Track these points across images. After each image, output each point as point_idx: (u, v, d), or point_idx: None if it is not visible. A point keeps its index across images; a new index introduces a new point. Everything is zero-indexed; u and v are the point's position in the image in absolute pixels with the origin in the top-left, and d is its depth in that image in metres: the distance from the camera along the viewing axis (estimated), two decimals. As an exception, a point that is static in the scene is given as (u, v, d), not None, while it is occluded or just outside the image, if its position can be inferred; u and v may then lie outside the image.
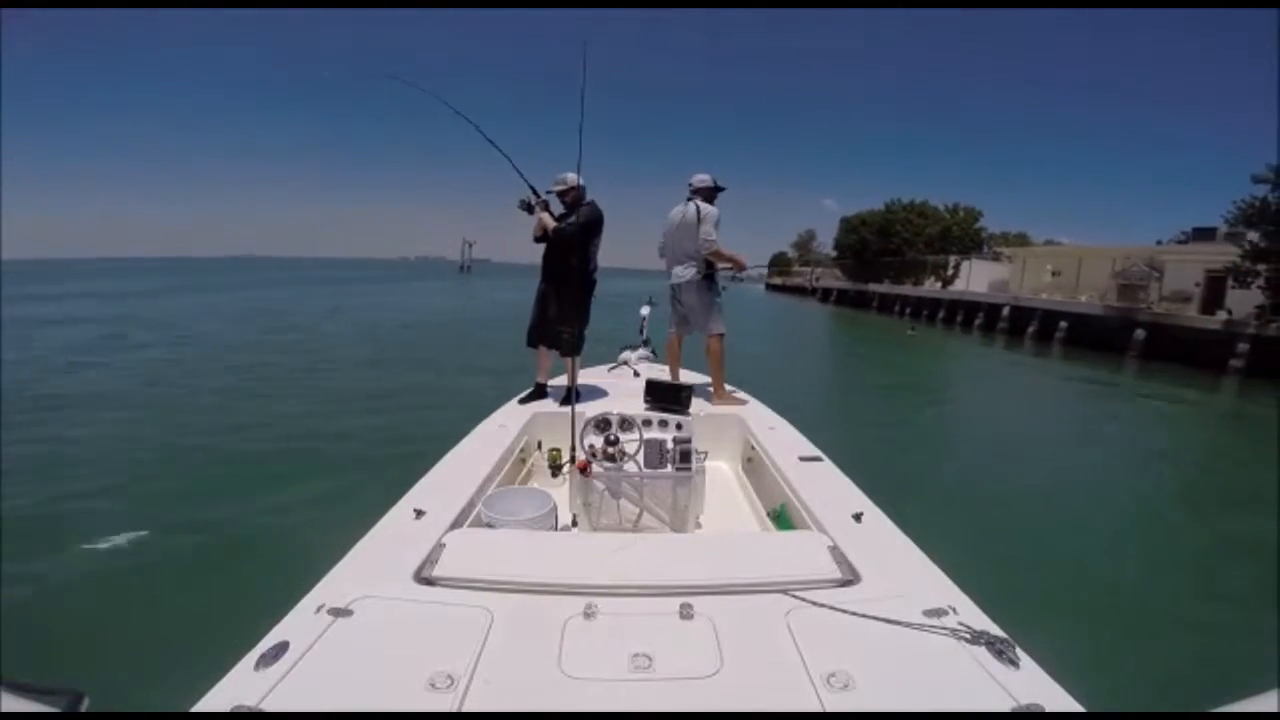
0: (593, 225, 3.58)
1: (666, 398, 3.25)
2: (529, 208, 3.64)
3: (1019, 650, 1.24)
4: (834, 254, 58.07)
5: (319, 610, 1.34)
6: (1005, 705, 1.09)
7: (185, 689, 1.14)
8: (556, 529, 2.25)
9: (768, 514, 2.58)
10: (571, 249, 3.56)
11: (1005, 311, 24.47)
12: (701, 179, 3.93)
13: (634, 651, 1.20)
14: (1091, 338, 19.56)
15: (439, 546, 1.65)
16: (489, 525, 2.05)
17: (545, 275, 3.75)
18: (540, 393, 3.68)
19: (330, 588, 1.47)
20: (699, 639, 1.26)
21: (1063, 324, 21.20)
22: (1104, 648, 3.11)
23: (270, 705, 1.06)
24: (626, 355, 4.81)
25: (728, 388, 3.85)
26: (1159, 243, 29.67)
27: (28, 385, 8.76)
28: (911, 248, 41.04)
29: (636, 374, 4.32)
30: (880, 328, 28.66)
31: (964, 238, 41.04)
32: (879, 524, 1.96)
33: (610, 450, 2.45)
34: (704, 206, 3.84)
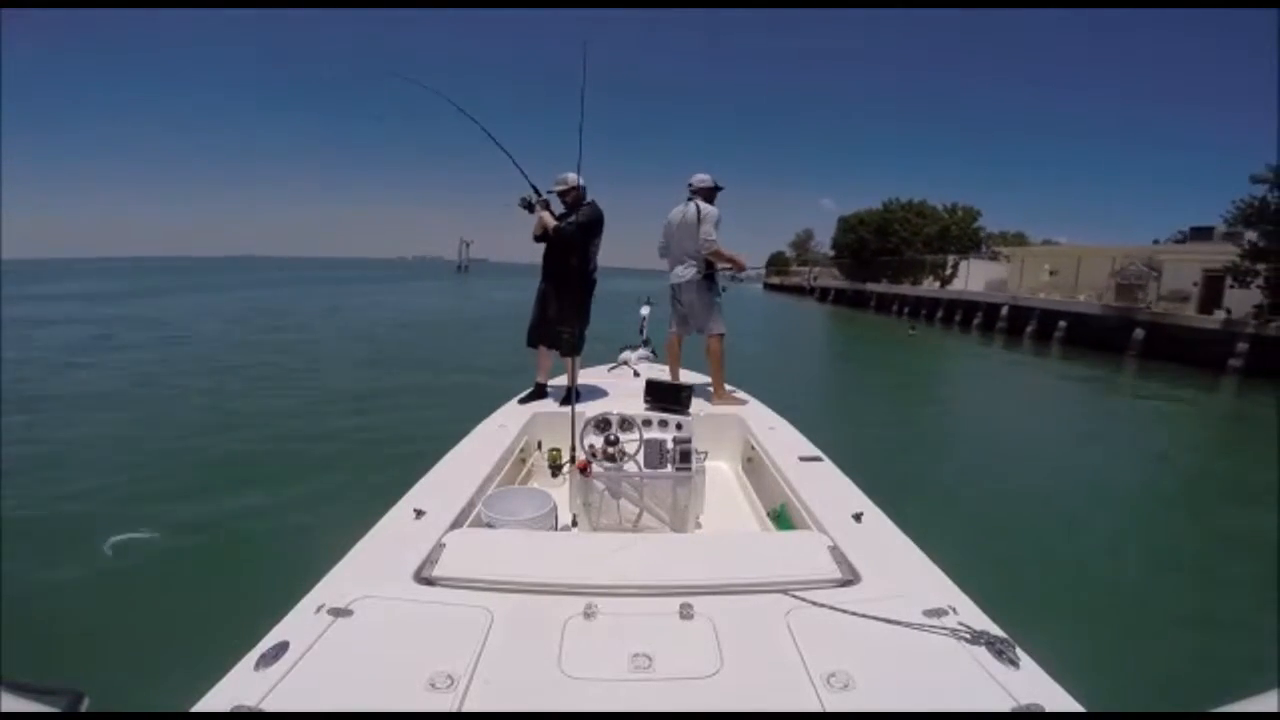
0: (593, 225, 3.58)
1: (666, 398, 3.25)
2: (530, 206, 3.64)
3: (1019, 650, 1.23)
4: (831, 253, 58.10)
5: (319, 610, 1.34)
6: (1005, 705, 1.09)
7: (185, 689, 1.14)
8: (556, 529, 2.25)
9: (768, 514, 2.58)
10: (571, 249, 3.56)
11: (1004, 311, 24.47)
12: (701, 179, 3.93)
13: (634, 651, 1.20)
14: (1090, 337, 19.56)
15: (439, 546, 1.65)
16: (489, 525, 2.04)
17: (545, 275, 3.75)
18: (540, 393, 3.68)
19: (330, 588, 1.47)
20: (699, 639, 1.26)
21: (1061, 323, 21.21)
22: (1104, 648, 3.11)
23: (270, 705, 1.06)
24: (626, 355, 4.81)
25: (728, 388, 3.85)
26: (1155, 242, 29.71)
27: (26, 386, 8.75)
28: (910, 247, 41.04)
29: (636, 374, 4.32)
30: (879, 327, 28.67)
31: (962, 237, 41.06)
32: (879, 524, 1.96)
33: (610, 450, 2.45)
34: (704, 206, 3.84)
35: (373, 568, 1.59)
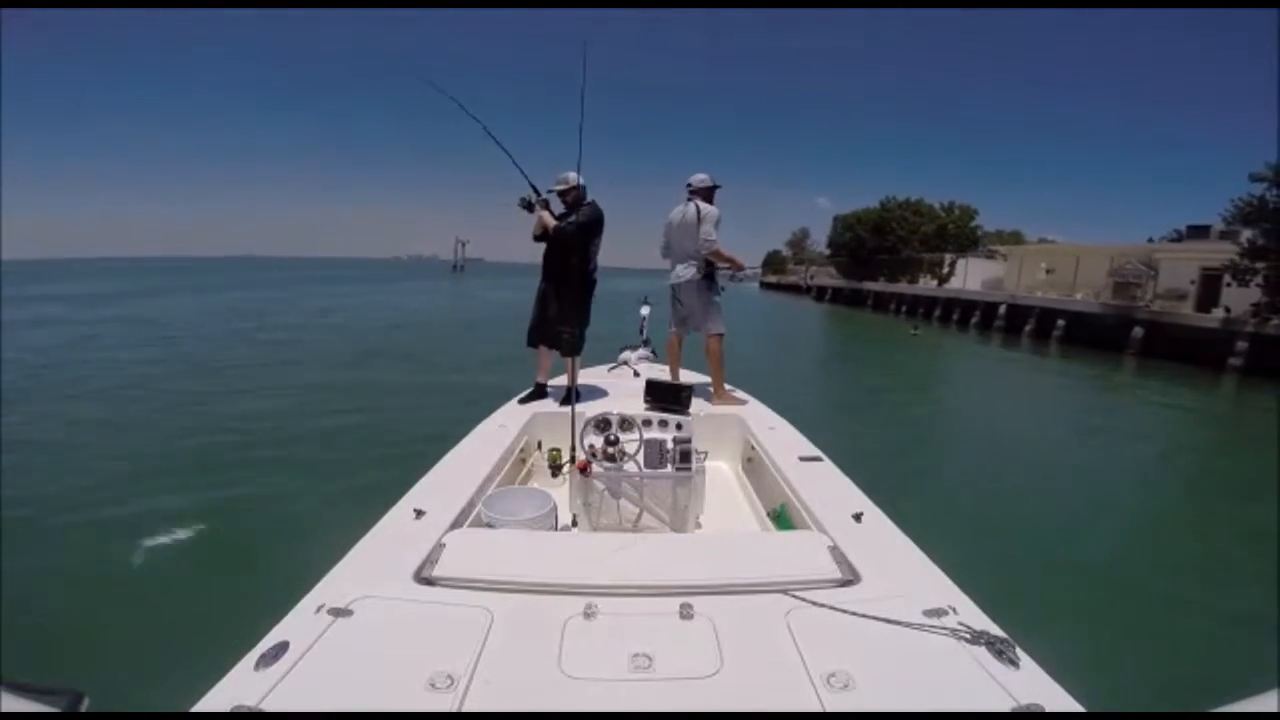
0: (593, 225, 3.58)
1: (666, 398, 3.25)
2: (529, 206, 3.63)
3: (1019, 650, 1.24)
4: (828, 252, 58.11)
5: (319, 610, 1.34)
6: (1005, 705, 1.09)
7: (185, 689, 1.14)
8: (556, 529, 2.25)
9: (768, 514, 2.58)
10: (571, 248, 3.55)
11: (1002, 310, 24.51)
12: (700, 179, 3.92)
13: (634, 651, 1.20)
14: (1089, 336, 19.60)
15: (439, 546, 1.65)
16: (489, 525, 2.04)
17: (545, 275, 3.74)
18: (540, 393, 3.68)
19: (330, 588, 1.47)
20: (699, 639, 1.26)
21: (1060, 322, 21.25)
22: (1104, 648, 3.12)
23: (270, 705, 1.06)
24: (626, 355, 4.81)
25: (727, 387, 3.85)
26: (1150, 240, 29.80)
27: (26, 386, 8.74)
28: (907, 246, 41.07)
29: (636, 374, 4.31)
30: (878, 326, 28.70)
31: (960, 236, 41.10)
32: (879, 524, 1.96)
33: (610, 450, 2.45)
34: (704, 206, 3.83)
35: (373, 568, 1.59)
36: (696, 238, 3.81)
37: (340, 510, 3.72)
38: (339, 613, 1.32)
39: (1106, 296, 22.09)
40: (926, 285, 35.75)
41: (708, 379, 3.89)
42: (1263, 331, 15.41)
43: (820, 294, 47.20)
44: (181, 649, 2.26)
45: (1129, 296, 21.52)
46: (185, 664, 1.54)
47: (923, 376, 15.56)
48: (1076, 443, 8.76)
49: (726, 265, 3.99)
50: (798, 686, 1.13)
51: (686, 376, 4.03)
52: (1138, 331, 18.17)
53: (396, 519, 1.91)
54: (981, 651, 1.23)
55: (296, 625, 1.31)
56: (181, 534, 4.11)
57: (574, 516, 2.51)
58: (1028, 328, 22.42)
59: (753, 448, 3.07)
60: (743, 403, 3.72)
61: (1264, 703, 0.75)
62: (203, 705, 1.08)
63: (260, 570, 3.41)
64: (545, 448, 3.09)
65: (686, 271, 3.92)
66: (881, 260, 41.66)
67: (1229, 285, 18.20)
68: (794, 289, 57.08)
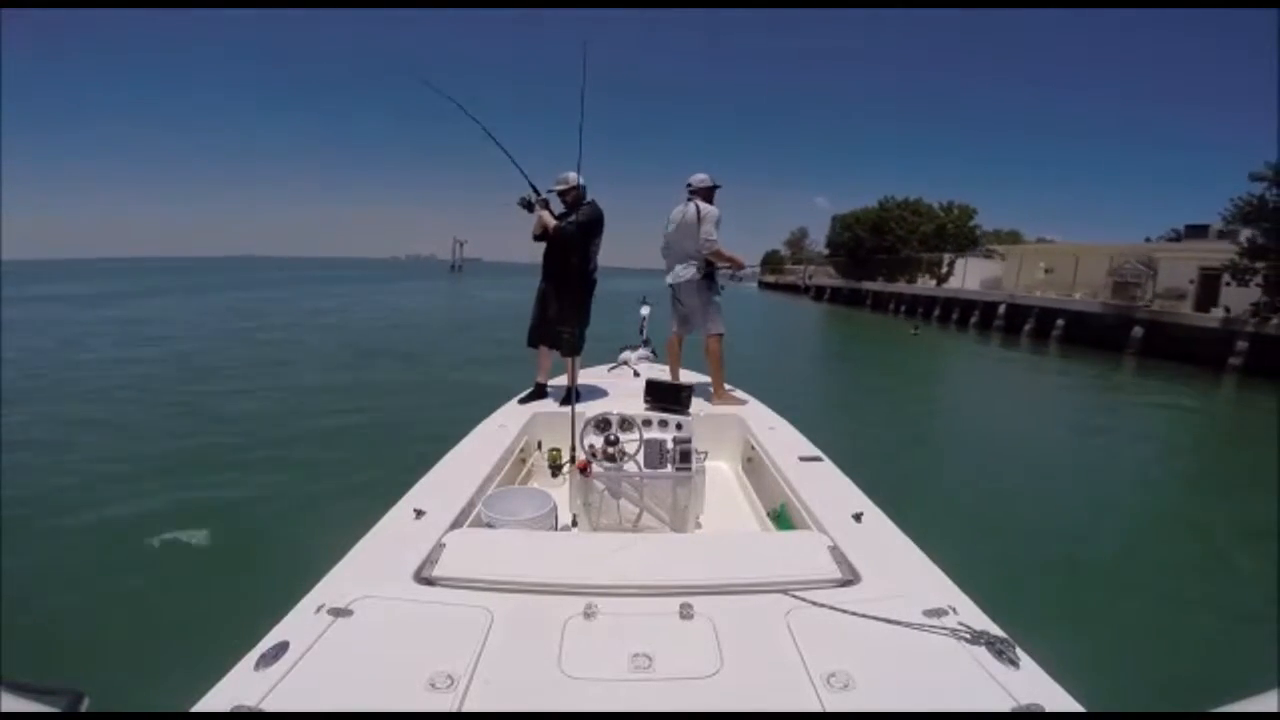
0: (593, 225, 3.57)
1: (666, 398, 3.25)
2: (529, 206, 3.63)
3: (1019, 650, 1.24)
4: (826, 252, 58.08)
5: (319, 610, 1.34)
6: (1005, 705, 1.09)
7: (185, 689, 1.14)
8: (556, 529, 2.25)
9: (768, 514, 2.58)
10: (571, 248, 3.55)
11: (1001, 309, 24.50)
12: (700, 179, 3.92)
13: (634, 651, 1.20)
14: (1089, 335, 19.60)
15: (439, 546, 1.65)
16: (489, 525, 2.04)
17: (546, 275, 3.74)
18: (540, 393, 3.68)
19: (330, 588, 1.47)
20: (699, 639, 1.26)
21: (1060, 322, 21.24)
22: (1104, 648, 3.12)
23: (270, 705, 1.06)
24: (626, 355, 4.81)
25: (727, 387, 3.85)
26: (1148, 240, 29.82)
27: (26, 386, 8.74)
28: (906, 245, 41.05)
29: (636, 374, 4.31)
30: (877, 326, 28.70)
31: (958, 235, 41.08)
32: (879, 524, 1.96)
33: (610, 450, 2.45)
34: (704, 206, 3.83)
35: (373, 568, 1.59)
36: (697, 238, 3.81)
37: (340, 510, 3.70)
38: (339, 613, 1.32)
39: (1105, 296, 22.07)
40: (925, 285, 35.74)
41: (708, 379, 3.89)
42: (1262, 331, 15.41)
43: (819, 294, 47.20)
44: (181, 649, 2.26)
45: (1128, 296, 21.50)
46: (185, 664, 1.54)
47: (922, 376, 15.56)
48: (1076, 442, 8.76)
49: (727, 265, 3.99)
50: (798, 686, 1.13)
51: (686, 376, 4.03)
52: (1137, 331, 18.17)
53: (396, 519, 1.91)
54: (981, 651, 1.23)
55: (296, 625, 1.31)
56: (181, 534, 4.11)
57: (574, 516, 2.51)
58: (1027, 327, 22.42)
59: (753, 448, 3.06)
60: (743, 403, 3.72)
61: (1264, 703, 0.75)
62: (203, 705, 1.08)
63: (260, 570, 3.41)
64: (545, 448, 3.09)
65: (686, 271, 3.92)
66: (880, 260, 41.64)
67: (1228, 285, 18.20)
68: (792, 289, 57.08)
